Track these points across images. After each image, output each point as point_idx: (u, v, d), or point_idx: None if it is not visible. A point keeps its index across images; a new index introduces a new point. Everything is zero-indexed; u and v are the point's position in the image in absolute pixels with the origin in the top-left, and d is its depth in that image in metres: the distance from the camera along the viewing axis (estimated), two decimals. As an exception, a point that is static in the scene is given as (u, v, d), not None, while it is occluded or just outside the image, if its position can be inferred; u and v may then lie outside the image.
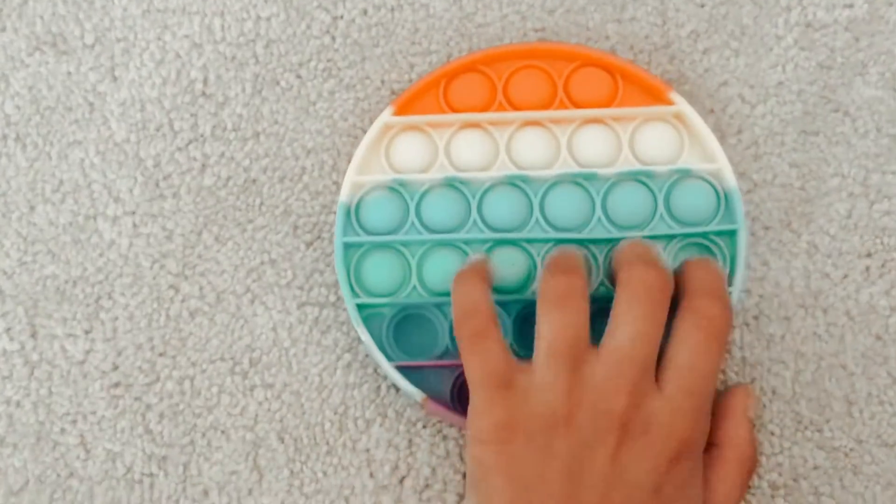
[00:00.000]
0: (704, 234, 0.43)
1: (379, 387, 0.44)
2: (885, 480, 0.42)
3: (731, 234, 0.43)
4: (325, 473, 0.43)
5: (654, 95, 0.44)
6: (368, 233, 0.43)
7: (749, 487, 0.41)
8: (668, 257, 0.43)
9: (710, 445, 0.38)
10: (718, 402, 0.39)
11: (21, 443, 0.44)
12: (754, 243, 0.44)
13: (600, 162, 0.44)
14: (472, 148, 0.44)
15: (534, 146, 0.44)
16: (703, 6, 0.46)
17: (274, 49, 0.46)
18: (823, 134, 0.45)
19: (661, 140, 0.44)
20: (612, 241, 0.43)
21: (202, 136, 0.46)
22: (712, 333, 0.37)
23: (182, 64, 0.46)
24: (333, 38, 0.46)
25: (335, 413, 0.43)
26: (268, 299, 0.44)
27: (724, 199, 0.43)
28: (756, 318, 0.44)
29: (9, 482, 0.43)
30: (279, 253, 0.45)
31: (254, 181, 0.45)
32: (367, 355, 0.44)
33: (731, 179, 0.43)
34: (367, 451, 0.43)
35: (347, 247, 0.43)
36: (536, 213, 0.43)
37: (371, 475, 0.43)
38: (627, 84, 0.44)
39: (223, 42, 0.46)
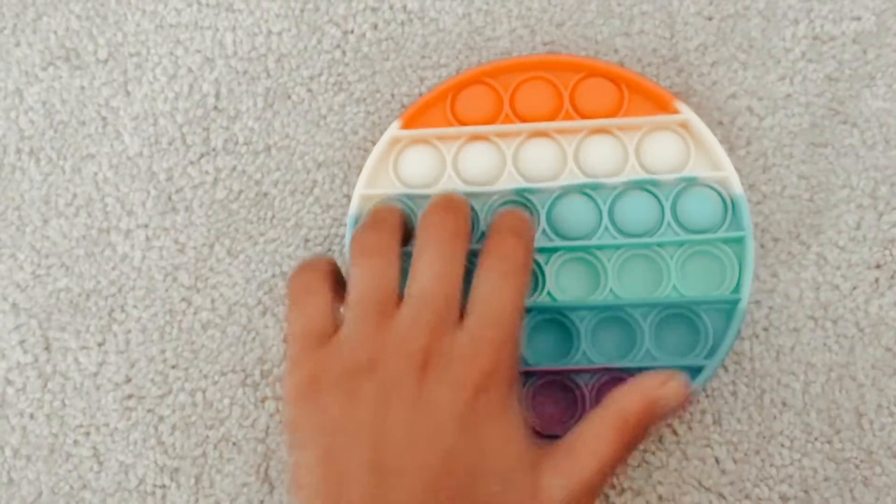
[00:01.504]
0: (712, 242, 0.43)
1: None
2: (895, 492, 0.42)
3: (739, 241, 0.43)
4: (336, 485, 0.43)
5: (659, 105, 0.44)
6: None
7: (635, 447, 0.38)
8: (677, 266, 0.43)
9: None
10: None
11: (34, 455, 0.44)
12: (763, 255, 0.44)
13: (607, 172, 0.44)
14: (480, 160, 0.44)
15: (540, 157, 0.44)
16: (711, 19, 0.46)
17: (285, 63, 0.47)
18: (832, 146, 0.45)
19: (667, 149, 0.44)
20: (619, 248, 0.43)
21: (214, 149, 0.46)
22: (509, 267, 0.38)
23: (194, 78, 0.47)
24: (344, 53, 0.47)
25: (346, 425, 0.44)
26: (279, 311, 0.45)
27: (730, 207, 0.43)
28: (766, 329, 0.44)
29: (22, 494, 0.44)
30: (290, 266, 0.45)
31: (265, 194, 0.46)
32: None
33: (737, 186, 0.43)
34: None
35: None
36: (543, 223, 0.43)
37: (382, 487, 0.43)
38: (633, 94, 0.44)
39: (235, 57, 0.47)
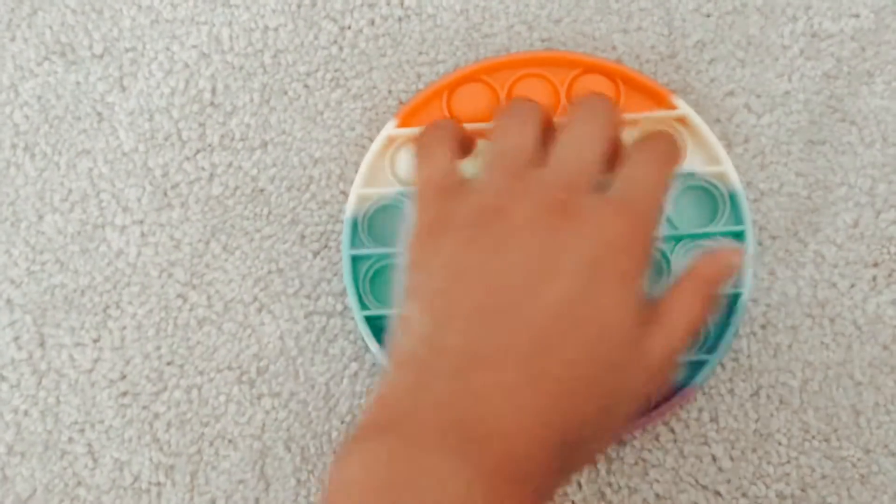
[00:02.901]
0: (710, 235, 0.43)
1: (386, 396, 0.44)
2: (892, 490, 0.42)
3: (738, 235, 0.43)
4: (332, 482, 0.43)
5: (657, 100, 0.44)
6: (377, 244, 0.43)
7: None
8: (675, 261, 0.43)
9: None
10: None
11: (29, 451, 0.44)
12: (761, 253, 0.44)
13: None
14: (476, 157, 0.44)
15: None
16: (709, 16, 0.46)
17: (282, 59, 0.46)
18: (830, 143, 0.45)
19: None
20: None
21: (210, 145, 0.46)
22: (664, 156, 0.38)
23: (190, 74, 0.46)
24: (341, 49, 0.47)
25: (342, 422, 0.43)
26: (275, 308, 0.44)
27: (728, 201, 0.43)
28: (763, 327, 0.44)
29: (17, 491, 0.43)
30: (287, 262, 0.45)
31: (261, 191, 0.46)
32: (374, 364, 0.44)
33: (736, 181, 0.43)
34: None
35: (356, 259, 0.43)
36: None
37: (378, 484, 0.43)
38: (630, 90, 0.44)
39: (231, 52, 0.47)
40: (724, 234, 0.43)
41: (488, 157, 0.37)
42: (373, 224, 0.44)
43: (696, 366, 0.41)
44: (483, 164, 0.37)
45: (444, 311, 0.33)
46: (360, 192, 0.44)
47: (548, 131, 0.38)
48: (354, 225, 0.44)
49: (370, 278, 0.43)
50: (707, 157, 0.44)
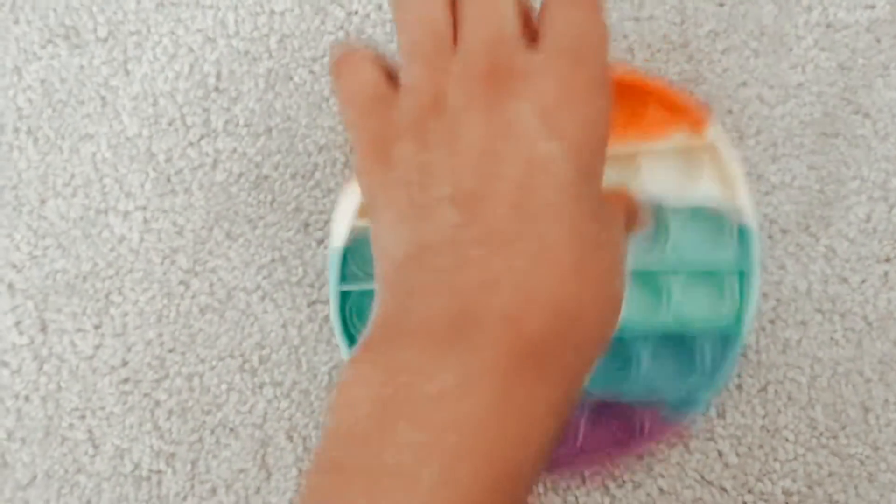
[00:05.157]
0: (716, 271, 0.42)
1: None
2: (901, 489, 0.42)
3: (743, 275, 0.41)
4: (333, 473, 0.43)
5: (686, 120, 0.41)
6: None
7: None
8: (677, 290, 0.42)
9: None
10: None
11: (29, 437, 0.44)
12: (771, 246, 0.44)
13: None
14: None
15: None
16: (722, 5, 0.45)
17: (287, 44, 0.46)
18: (843, 136, 0.44)
19: (679, 168, 0.42)
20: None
21: (214, 131, 0.45)
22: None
23: (195, 58, 0.46)
24: (347, 34, 0.46)
25: (344, 412, 0.43)
26: (278, 297, 0.44)
27: (738, 237, 0.41)
28: (772, 322, 0.43)
29: (17, 477, 0.43)
30: (290, 250, 0.44)
31: (265, 177, 0.45)
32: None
33: (750, 218, 0.41)
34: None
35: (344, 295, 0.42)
36: None
37: (380, 475, 0.43)
38: (659, 109, 0.42)
39: (237, 36, 0.46)
40: (730, 272, 0.41)
41: (403, 51, 0.34)
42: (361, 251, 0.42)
43: (688, 402, 0.41)
44: (401, 60, 0.34)
45: (420, 214, 0.32)
46: (353, 225, 0.41)
47: None
48: (344, 257, 0.41)
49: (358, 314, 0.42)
50: (725, 188, 0.42)
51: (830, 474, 0.42)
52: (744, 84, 0.45)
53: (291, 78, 0.46)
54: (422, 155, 0.33)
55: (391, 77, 0.35)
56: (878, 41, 0.45)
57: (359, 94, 0.35)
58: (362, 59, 0.35)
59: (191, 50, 0.46)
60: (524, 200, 0.31)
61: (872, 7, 0.45)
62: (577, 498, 0.42)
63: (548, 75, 0.32)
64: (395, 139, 0.33)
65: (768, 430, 0.42)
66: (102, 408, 0.44)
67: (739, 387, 0.42)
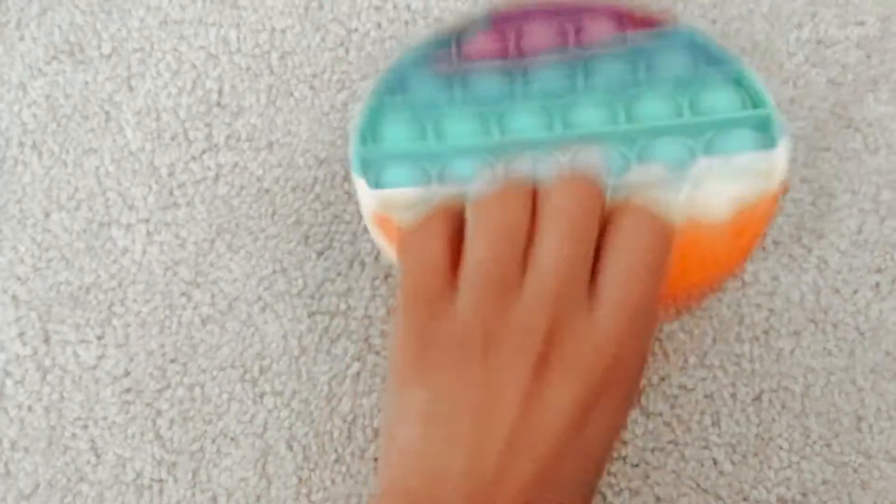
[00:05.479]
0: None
1: (388, 396, 0.44)
2: (893, 496, 0.42)
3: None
4: (333, 482, 0.43)
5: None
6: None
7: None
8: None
9: None
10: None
11: (32, 447, 0.44)
12: (764, 258, 0.44)
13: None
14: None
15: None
16: (714, 22, 0.46)
17: (289, 61, 0.47)
18: (834, 150, 0.45)
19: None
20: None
21: (216, 145, 0.46)
22: (646, 244, 0.35)
23: (198, 74, 0.47)
24: (347, 51, 0.47)
25: (344, 421, 0.44)
26: (279, 308, 0.45)
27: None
28: (766, 332, 0.44)
29: (19, 486, 0.44)
30: (290, 262, 0.45)
31: (267, 191, 0.46)
32: (376, 365, 0.44)
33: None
34: (376, 459, 0.43)
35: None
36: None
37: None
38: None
39: (238, 53, 0.47)
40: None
41: (469, 264, 0.35)
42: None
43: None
44: (464, 277, 0.35)
45: (434, 464, 0.33)
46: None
47: (533, 207, 0.36)
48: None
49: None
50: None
51: (824, 482, 0.42)
52: (736, 99, 0.46)
53: (292, 93, 0.47)
54: (457, 383, 0.34)
55: (458, 251, 0.35)
56: (869, 57, 0.46)
57: (417, 288, 0.35)
58: (433, 237, 0.36)
59: (193, 66, 0.47)
60: (549, 461, 0.33)
61: (862, 24, 0.46)
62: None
63: (593, 366, 0.34)
64: (438, 349, 0.34)
65: (763, 439, 0.43)
66: (105, 417, 0.44)
67: (734, 396, 0.43)
